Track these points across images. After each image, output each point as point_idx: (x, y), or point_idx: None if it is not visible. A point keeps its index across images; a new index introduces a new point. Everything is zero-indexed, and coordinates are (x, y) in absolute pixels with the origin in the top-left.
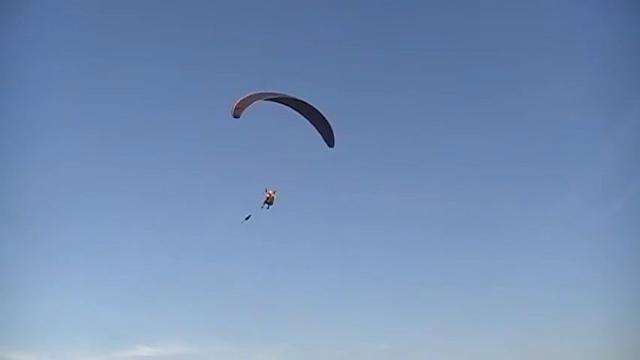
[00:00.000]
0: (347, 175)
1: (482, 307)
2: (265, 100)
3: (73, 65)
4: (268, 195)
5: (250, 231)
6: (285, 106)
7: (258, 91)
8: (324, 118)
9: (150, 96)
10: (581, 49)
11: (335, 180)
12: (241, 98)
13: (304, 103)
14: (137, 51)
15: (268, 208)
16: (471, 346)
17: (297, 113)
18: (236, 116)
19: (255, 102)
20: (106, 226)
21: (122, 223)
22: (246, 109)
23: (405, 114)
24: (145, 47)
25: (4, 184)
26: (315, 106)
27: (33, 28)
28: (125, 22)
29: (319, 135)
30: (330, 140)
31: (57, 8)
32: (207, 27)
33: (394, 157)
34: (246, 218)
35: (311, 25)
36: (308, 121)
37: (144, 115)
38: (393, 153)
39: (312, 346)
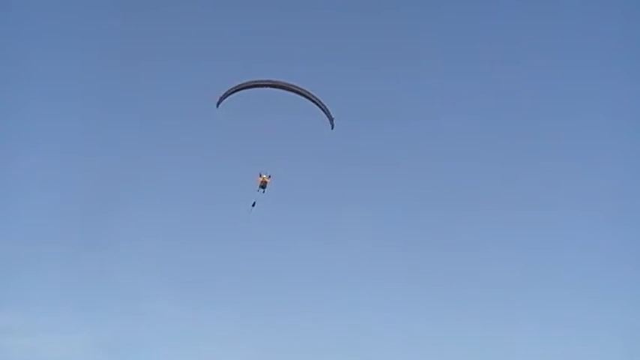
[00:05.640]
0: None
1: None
2: (254, 87)
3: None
4: (262, 180)
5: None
6: (279, 90)
7: (247, 81)
8: (319, 101)
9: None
10: None
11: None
12: (227, 89)
13: (295, 88)
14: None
15: (263, 191)
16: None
17: (293, 95)
18: (217, 105)
19: (240, 90)
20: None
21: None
22: (229, 98)
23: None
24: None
25: None
26: (308, 90)
27: None
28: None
29: (323, 114)
30: (330, 121)
31: None
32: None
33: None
34: (253, 205)
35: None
36: (307, 101)
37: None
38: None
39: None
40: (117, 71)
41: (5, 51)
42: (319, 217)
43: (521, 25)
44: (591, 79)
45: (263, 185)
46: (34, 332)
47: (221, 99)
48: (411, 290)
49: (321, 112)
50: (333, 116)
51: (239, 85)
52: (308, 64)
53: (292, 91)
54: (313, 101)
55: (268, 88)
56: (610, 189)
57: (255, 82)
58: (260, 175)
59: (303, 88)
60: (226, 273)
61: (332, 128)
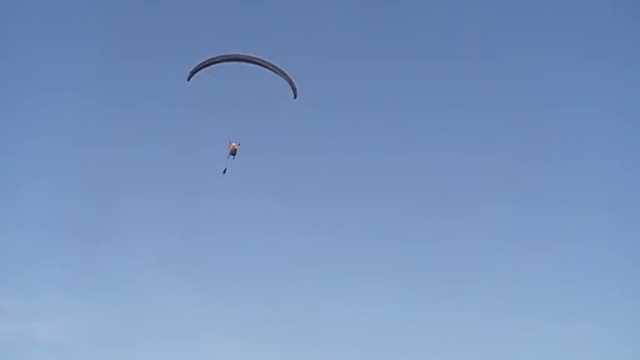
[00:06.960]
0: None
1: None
2: (222, 62)
3: None
4: (232, 147)
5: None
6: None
7: (214, 56)
8: (282, 71)
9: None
10: None
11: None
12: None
13: (261, 61)
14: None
15: (233, 158)
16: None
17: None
18: (188, 79)
19: (210, 65)
20: None
21: None
22: (201, 72)
23: None
24: None
25: None
26: (272, 62)
27: None
28: None
29: (286, 84)
30: (293, 91)
31: None
32: None
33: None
34: (224, 172)
35: None
36: (272, 73)
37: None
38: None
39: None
40: (117, 63)
41: (5, 44)
42: (318, 212)
43: (521, 24)
44: (592, 78)
45: (233, 152)
46: (30, 317)
47: (192, 73)
48: (410, 285)
49: (286, 83)
50: (296, 86)
51: (212, 59)
52: (304, 60)
53: (258, 64)
54: (275, 72)
55: (239, 63)
56: (611, 187)
57: (226, 56)
58: (230, 143)
59: (270, 61)
60: (227, 265)
61: (295, 97)
